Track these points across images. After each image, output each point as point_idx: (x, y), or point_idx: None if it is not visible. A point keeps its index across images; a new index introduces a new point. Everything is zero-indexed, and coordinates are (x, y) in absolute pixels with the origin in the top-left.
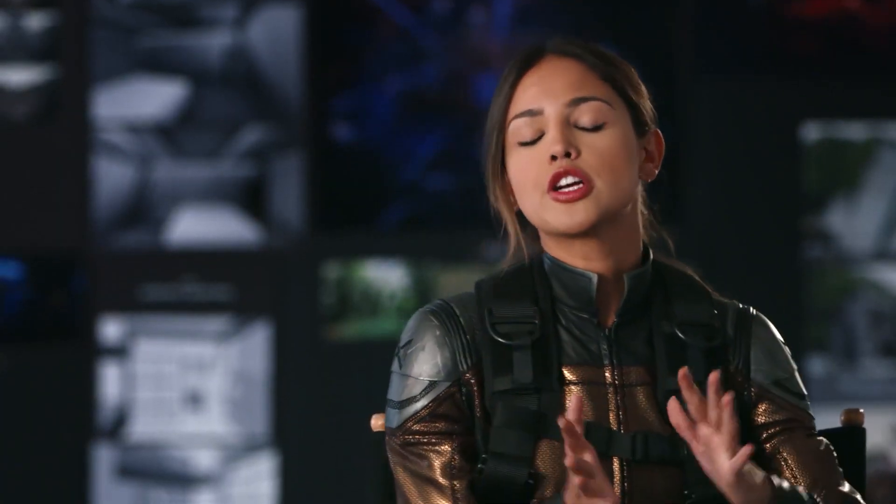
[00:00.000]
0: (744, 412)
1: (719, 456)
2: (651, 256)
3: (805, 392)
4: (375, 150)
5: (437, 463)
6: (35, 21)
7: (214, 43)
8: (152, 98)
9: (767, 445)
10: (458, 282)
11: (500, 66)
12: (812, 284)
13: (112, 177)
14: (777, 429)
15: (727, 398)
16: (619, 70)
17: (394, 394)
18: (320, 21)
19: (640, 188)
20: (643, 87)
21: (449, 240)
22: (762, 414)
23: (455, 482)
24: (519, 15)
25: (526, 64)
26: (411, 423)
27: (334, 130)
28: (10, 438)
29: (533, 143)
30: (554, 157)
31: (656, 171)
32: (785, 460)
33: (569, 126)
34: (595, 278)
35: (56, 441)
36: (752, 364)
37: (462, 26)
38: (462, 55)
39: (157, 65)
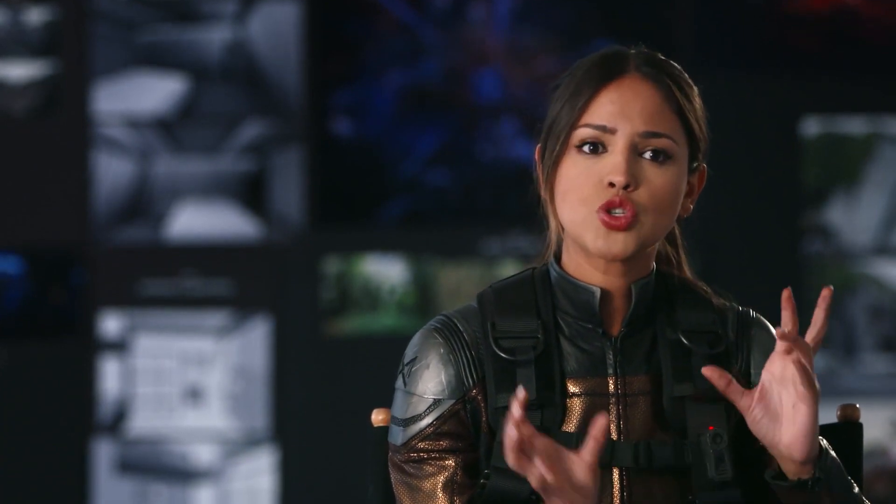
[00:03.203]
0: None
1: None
2: (654, 265)
3: None
4: (375, 145)
5: (439, 479)
6: (35, 16)
7: (214, 38)
8: (152, 93)
9: None
10: (457, 277)
11: (499, 62)
12: (812, 279)
13: (112, 171)
14: None
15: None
16: (689, 101)
17: (398, 411)
18: (320, 16)
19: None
20: (703, 114)
21: (448, 235)
22: None
23: (456, 498)
24: (519, 11)
25: (608, 76)
26: (416, 440)
27: (334, 125)
28: (9, 434)
29: (594, 151)
30: (612, 184)
31: (691, 207)
32: None
33: (634, 154)
34: (598, 292)
35: (56, 436)
36: (752, 367)
37: (462, 22)
38: (462, 51)
39: (157, 59)
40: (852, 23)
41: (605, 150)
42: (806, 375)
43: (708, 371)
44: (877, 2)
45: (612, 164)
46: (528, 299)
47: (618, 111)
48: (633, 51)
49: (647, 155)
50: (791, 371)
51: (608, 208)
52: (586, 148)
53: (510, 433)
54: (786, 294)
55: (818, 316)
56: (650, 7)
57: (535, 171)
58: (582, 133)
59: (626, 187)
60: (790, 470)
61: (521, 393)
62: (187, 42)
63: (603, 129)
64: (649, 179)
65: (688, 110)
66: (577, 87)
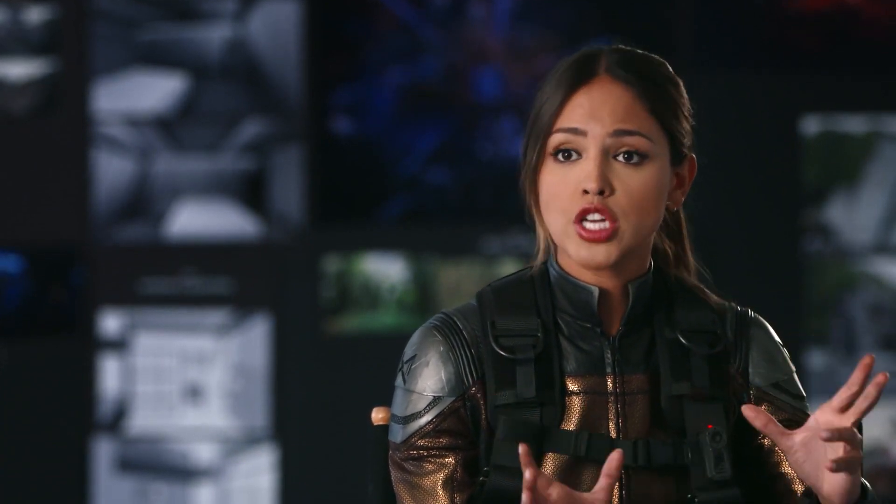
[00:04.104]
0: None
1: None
2: (652, 264)
3: (804, 393)
4: (375, 143)
5: (439, 477)
6: (35, 14)
7: (214, 36)
8: (152, 91)
9: (766, 442)
10: (457, 276)
11: (499, 60)
12: (812, 278)
13: (112, 170)
14: None
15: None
16: (665, 97)
17: (398, 409)
18: (320, 14)
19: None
20: (687, 107)
21: (448, 233)
22: None
23: (456, 496)
24: (519, 9)
25: (580, 79)
26: (415, 438)
27: (334, 124)
28: (9, 432)
29: (568, 158)
30: (587, 191)
31: (683, 199)
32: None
33: (607, 158)
34: (596, 291)
35: (56, 435)
36: (750, 367)
37: (462, 20)
38: (462, 49)
39: (157, 58)
40: (852, 21)
41: (579, 156)
42: (850, 451)
43: (747, 410)
44: (877, 1)
45: (585, 171)
46: (527, 298)
47: (588, 113)
48: (607, 49)
49: (622, 157)
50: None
51: (582, 217)
52: (560, 156)
53: (524, 498)
54: (866, 361)
55: (871, 391)
56: (650, 6)
57: (520, 175)
58: (555, 139)
59: (600, 193)
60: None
61: (522, 449)
62: (187, 41)
63: (574, 131)
64: (625, 182)
65: (662, 107)
66: (550, 93)
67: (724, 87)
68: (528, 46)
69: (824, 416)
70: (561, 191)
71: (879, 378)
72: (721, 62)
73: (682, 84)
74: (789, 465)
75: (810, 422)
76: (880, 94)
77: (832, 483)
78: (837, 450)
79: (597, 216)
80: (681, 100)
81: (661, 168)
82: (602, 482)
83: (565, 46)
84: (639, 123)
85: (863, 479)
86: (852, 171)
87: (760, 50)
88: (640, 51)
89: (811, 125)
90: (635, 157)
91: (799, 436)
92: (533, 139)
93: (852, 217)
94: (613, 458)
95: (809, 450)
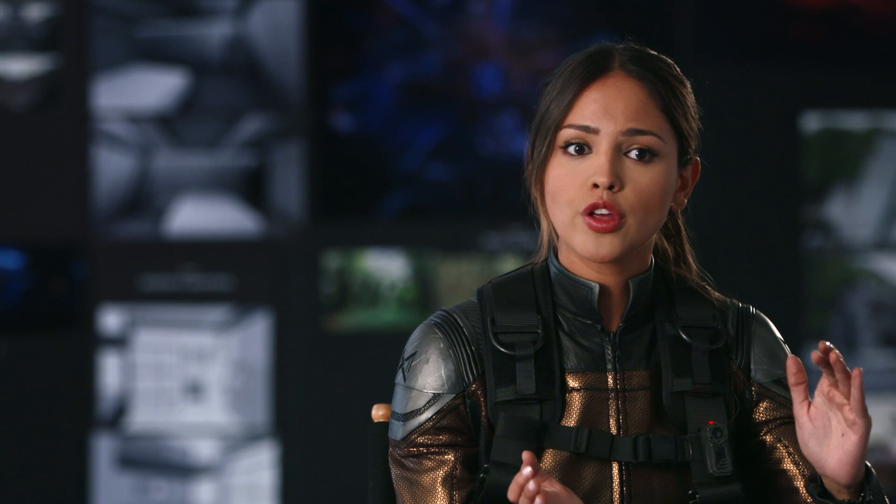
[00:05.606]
0: (745, 410)
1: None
2: (653, 261)
3: None
4: (376, 139)
5: (438, 474)
6: (35, 11)
7: (215, 32)
8: (152, 88)
9: (768, 437)
10: (457, 272)
11: (500, 56)
12: (812, 274)
13: (112, 166)
14: (777, 423)
15: (857, 371)
16: (676, 96)
17: (398, 406)
18: (320, 10)
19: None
20: (694, 109)
21: (449, 229)
22: (763, 412)
23: (455, 493)
24: (519, 5)
25: (593, 73)
26: (415, 435)
27: (334, 120)
28: (9, 428)
29: (579, 152)
30: (596, 185)
31: (685, 201)
32: (786, 448)
33: (618, 154)
34: (597, 288)
35: (56, 431)
36: (752, 363)
37: (462, 16)
38: (462, 45)
39: (158, 54)
40: (853, 16)
41: (590, 150)
42: (858, 402)
43: (791, 362)
44: None
45: (596, 165)
46: (527, 295)
47: (601, 110)
48: (620, 46)
49: (633, 154)
50: (840, 398)
51: (591, 210)
52: (571, 149)
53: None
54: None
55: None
56: (651, 0)
57: (525, 169)
58: (566, 134)
59: (610, 188)
60: (833, 488)
61: (526, 455)
62: (187, 37)
63: (586, 129)
64: (634, 179)
65: (674, 106)
66: (562, 87)
67: (724, 82)
68: (528, 42)
69: (820, 397)
70: (569, 183)
71: (855, 372)
72: (721, 57)
73: (689, 87)
74: (798, 442)
75: (817, 396)
76: (881, 91)
77: (839, 459)
78: (842, 422)
79: (604, 211)
80: (689, 101)
81: (670, 167)
82: (538, 477)
83: (565, 42)
84: (651, 122)
85: (867, 464)
86: (852, 168)
87: (761, 45)
88: (650, 50)
89: (811, 121)
90: (647, 155)
91: (811, 409)
92: (542, 132)
93: (852, 213)
94: (524, 457)
95: (816, 424)
